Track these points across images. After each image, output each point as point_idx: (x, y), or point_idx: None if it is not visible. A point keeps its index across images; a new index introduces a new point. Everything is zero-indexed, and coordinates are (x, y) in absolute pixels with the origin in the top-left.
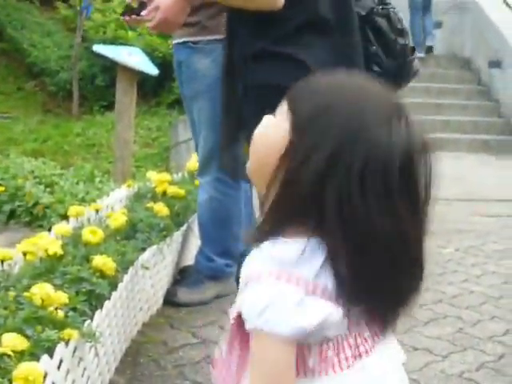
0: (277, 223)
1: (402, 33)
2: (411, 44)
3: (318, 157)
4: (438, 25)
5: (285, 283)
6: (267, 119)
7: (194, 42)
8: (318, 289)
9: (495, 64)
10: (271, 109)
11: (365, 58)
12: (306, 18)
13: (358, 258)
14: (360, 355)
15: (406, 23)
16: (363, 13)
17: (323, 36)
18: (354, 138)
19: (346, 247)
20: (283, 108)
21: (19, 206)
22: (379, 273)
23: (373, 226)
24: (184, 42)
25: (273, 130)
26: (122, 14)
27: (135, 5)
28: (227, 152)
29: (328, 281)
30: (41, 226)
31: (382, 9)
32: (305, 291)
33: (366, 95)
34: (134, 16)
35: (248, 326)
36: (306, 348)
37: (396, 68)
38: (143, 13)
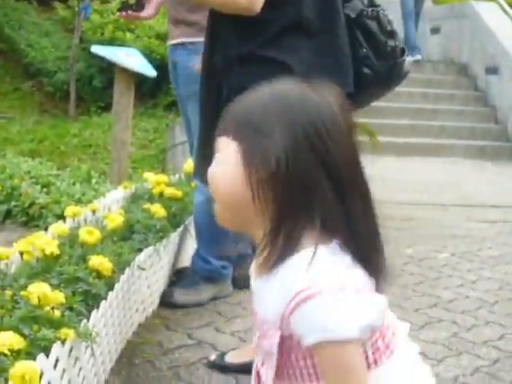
0: (290, 238)
1: (391, 34)
2: (401, 46)
3: (281, 153)
4: (436, 31)
5: (338, 290)
6: (215, 172)
7: (191, 43)
8: (361, 284)
9: (492, 70)
10: None
11: (355, 60)
12: (291, 19)
13: (365, 228)
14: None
15: (399, 28)
16: (353, 15)
17: (308, 37)
18: (295, 117)
19: (354, 224)
20: (224, 148)
21: (15, 206)
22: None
23: (362, 185)
24: (181, 43)
25: (228, 172)
26: (119, 10)
27: (132, 1)
28: (203, 155)
29: (360, 272)
30: (37, 226)
31: (372, 11)
32: (355, 291)
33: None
34: (130, 12)
35: (311, 340)
36: (362, 344)
37: (387, 70)
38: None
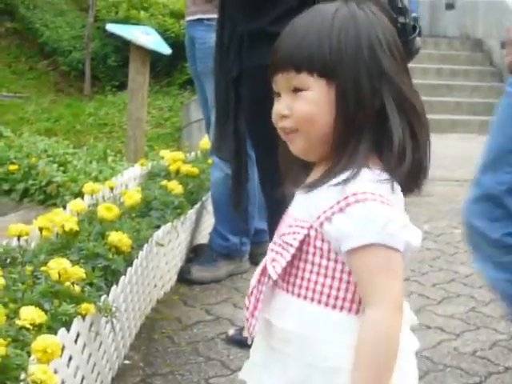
0: (354, 154)
1: (402, 11)
2: (412, 23)
3: (363, 74)
4: (450, 6)
5: (389, 207)
6: (307, 98)
7: (209, 19)
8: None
9: None
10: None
11: None
12: None
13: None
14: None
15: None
16: None
17: None
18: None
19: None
20: (305, 80)
21: (32, 185)
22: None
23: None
24: (199, 20)
25: (317, 99)
26: None
27: None
28: (219, 130)
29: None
30: (54, 205)
31: None
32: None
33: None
34: None
35: (361, 241)
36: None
37: None
38: None
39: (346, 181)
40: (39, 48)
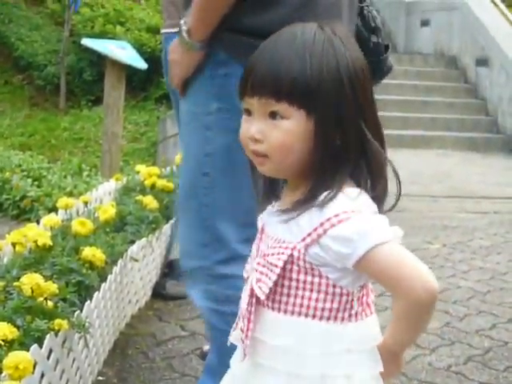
0: (332, 178)
1: (375, 31)
2: (385, 42)
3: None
4: (426, 23)
5: (369, 215)
6: (284, 128)
7: None
8: None
9: (482, 62)
10: None
11: None
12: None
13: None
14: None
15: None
16: None
17: None
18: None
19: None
20: (284, 109)
21: (6, 200)
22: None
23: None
24: (174, 33)
25: (295, 129)
26: None
27: None
28: None
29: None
30: (28, 220)
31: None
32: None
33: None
34: None
35: (366, 246)
36: (351, 294)
37: (369, 66)
38: None
39: (324, 202)
40: (14, 62)
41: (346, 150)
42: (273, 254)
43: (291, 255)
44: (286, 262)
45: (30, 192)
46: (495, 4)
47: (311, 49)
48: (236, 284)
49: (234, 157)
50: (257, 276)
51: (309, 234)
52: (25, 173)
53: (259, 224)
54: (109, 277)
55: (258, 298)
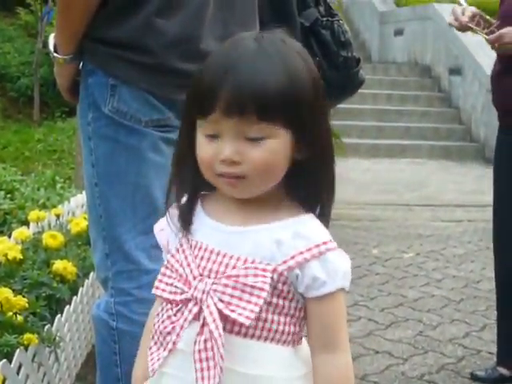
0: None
1: (345, 45)
2: (356, 56)
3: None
4: (399, 32)
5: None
6: (267, 148)
7: None
8: None
9: (455, 71)
10: None
11: None
12: None
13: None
14: None
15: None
16: (307, 24)
17: None
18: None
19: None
20: (264, 129)
21: None
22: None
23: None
24: None
25: (279, 147)
26: None
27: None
28: None
29: None
30: (1, 233)
31: (327, 20)
32: None
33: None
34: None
35: (333, 287)
36: (302, 319)
37: (339, 80)
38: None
39: (304, 225)
40: None
41: (316, 163)
42: (246, 276)
43: (271, 278)
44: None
45: (3, 205)
46: None
47: (286, 66)
48: (128, 301)
49: (115, 165)
50: (224, 299)
51: (292, 257)
52: None
53: (186, 241)
54: (80, 290)
55: (233, 324)
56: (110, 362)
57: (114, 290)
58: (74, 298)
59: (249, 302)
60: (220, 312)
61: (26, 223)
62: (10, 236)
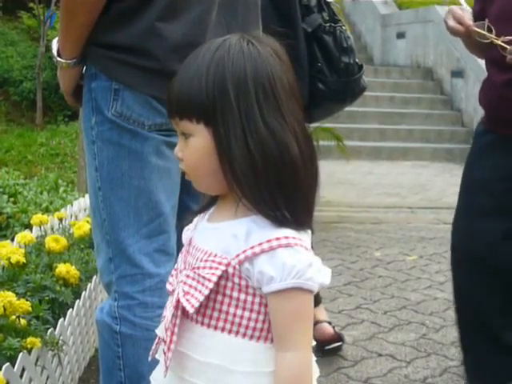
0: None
1: (346, 51)
2: (358, 62)
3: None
4: (401, 35)
5: (308, 251)
6: (192, 146)
7: None
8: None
9: (458, 74)
10: None
11: (310, 74)
12: None
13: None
14: None
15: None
16: (309, 30)
17: None
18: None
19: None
20: (187, 126)
21: None
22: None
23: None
24: None
25: (200, 145)
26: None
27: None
28: None
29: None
30: (4, 236)
31: (330, 26)
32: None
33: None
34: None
35: (286, 284)
36: None
37: (340, 86)
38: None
39: (258, 222)
40: None
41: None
42: (204, 268)
43: (226, 271)
44: (220, 278)
45: (6, 209)
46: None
47: (208, 65)
48: (131, 305)
49: (118, 169)
50: (185, 289)
51: (244, 251)
52: (0, 189)
53: (186, 236)
54: (83, 294)
55: (184, 311)
56: (114, 365)
57: (118, 293)
58: (77, 301)
59: (199, 291)
60: (178, 300)
61: (28, 227)
62: (12, 240)
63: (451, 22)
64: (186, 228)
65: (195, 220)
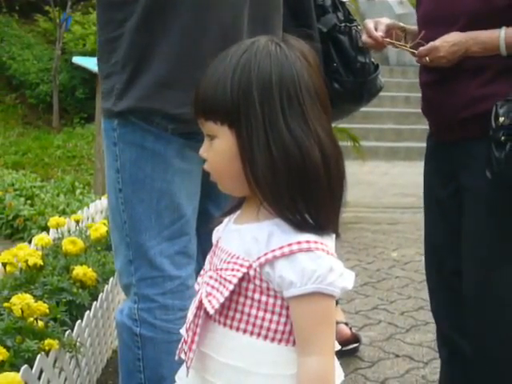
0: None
1: (362, 50)
2: (374, 62)
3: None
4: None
5: (330, 256)
6: (215, 148)
7: None
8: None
9: None
10: None
11: (326, 74)
12: None
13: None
14: None
15: None
16: (325, 29)
17: None
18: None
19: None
20: (211, 128)
21: None
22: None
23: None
24: None
25: (223, 147)
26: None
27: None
28: None
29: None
30: (21, 239)
31: (345, 26)
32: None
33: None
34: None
35: (308, 289)
36: None
37: (356, 86)
38: None
39: (280, 225)
40: (7, 81)
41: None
42: (226, 269)
43: (247, 273)
44: (241, 280)
45: (23, 211)
46: None
47: (233, 67)
48: (152, 308)
49: (140, 171)
50: (207, 290)
51: (265, 254)
52: (18, 192)
53: (215, 236)
54: (100, 295)
55: (207, 312)
56: (134, 367)
57: (138, 296)
58: (94, 303)
59: (220, 292)
60: (201, 301)
61: (45, 229)
62: (30, 242)
63: (363, 37)
64: (216, 228)
65: (225, 221)
